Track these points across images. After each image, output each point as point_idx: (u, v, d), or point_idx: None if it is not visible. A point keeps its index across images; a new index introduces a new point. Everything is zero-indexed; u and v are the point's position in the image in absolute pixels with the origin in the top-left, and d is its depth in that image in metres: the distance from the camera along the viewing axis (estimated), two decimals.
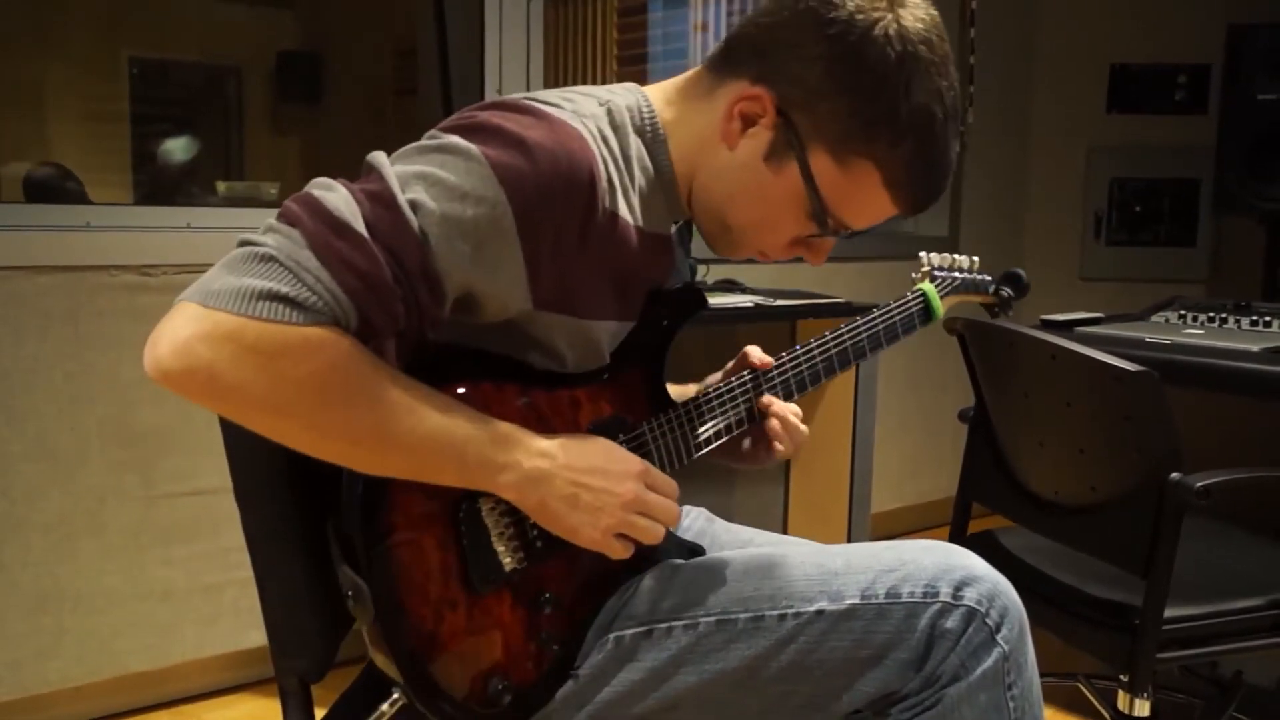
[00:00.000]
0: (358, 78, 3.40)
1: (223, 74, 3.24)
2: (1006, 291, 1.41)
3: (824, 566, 1.03)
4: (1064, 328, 2.13)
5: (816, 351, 1.16)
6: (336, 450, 0.88)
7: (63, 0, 2.76)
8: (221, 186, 2.94)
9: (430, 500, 0.94)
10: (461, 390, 0.95)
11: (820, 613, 1.00)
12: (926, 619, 0.97)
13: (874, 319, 1.20)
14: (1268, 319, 2.08)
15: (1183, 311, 2.23)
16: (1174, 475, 1.42)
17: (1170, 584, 1.44)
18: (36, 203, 2.36)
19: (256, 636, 2.19)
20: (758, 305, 2.30)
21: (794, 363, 1.15)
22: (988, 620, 0.97)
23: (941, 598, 0.98)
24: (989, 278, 1.39)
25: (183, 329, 0.80)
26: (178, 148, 3.03)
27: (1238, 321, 2.11)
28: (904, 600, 0.98)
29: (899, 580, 0.99)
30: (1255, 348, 1.85)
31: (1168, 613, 1.45)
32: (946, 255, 1.35)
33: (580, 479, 0.95)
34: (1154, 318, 2.25)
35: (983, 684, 0.97)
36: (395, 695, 0.98)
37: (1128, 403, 1.46)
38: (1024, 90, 3.61)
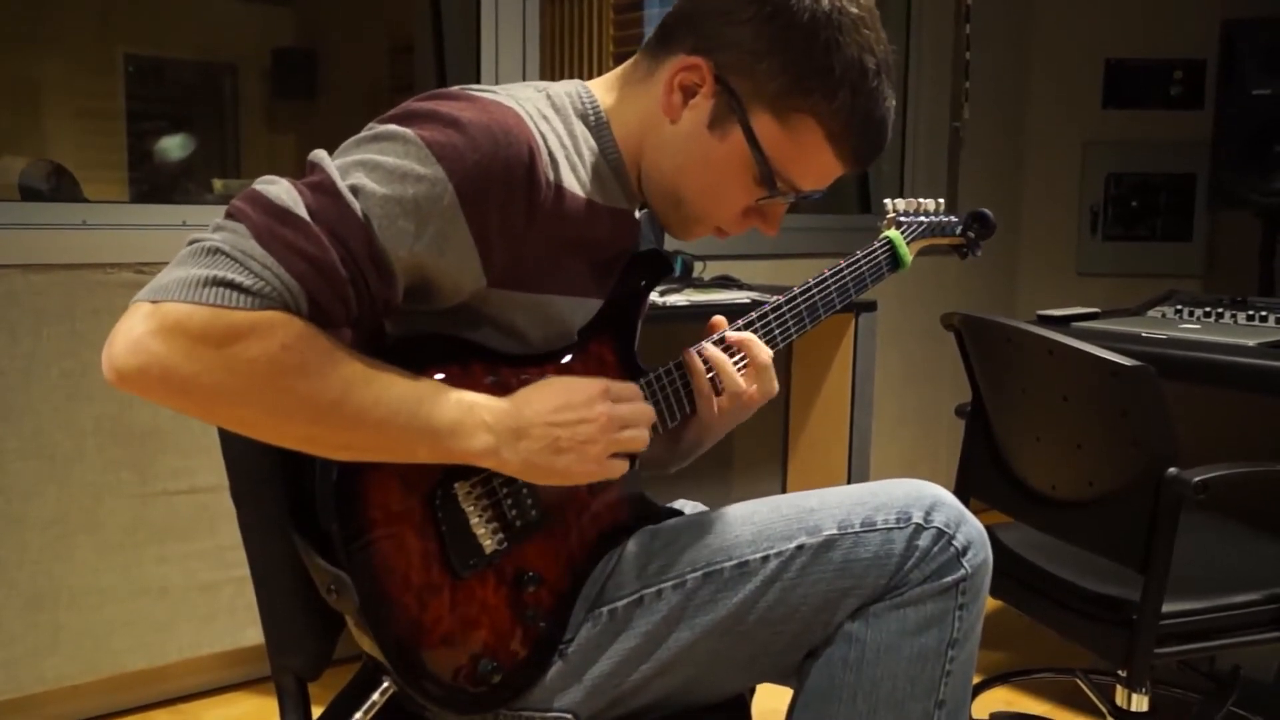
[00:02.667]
0: (354, 75, 3.39)
1: (219, 71, 3.23)
2: (973, 232, 1.40)
3: (800, 506, 1.06)
4: (1061, 323, 2.13)
5: (786, 308, 1.17)
6: (302, 434, 0.88)
7: None
8: (218, 184, 2.93)
9: (405, 488, 0.94)
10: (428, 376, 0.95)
11: (800, 548, 1.02)
12: (902, 542, 1.01)
13: (841, 271, 1.21)
14: (1264, 313, 2.08)
15: (1179, 306, 2.23)
16: (1171, 470, 1.43)
17: (1168, 579, 1.44)
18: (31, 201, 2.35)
19: (253, 634, 2.18)
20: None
21: (763, 321, 1.15)
22: (954, 542, 1.01)
23: (914, 521, 1.01)
24: (955, 219, 1.39)
25: (136, 327, 0.81)
26: (173, 145, 3.02)
27: (1234, 316, 2.11)
28: (879, 527, 1.02)
29: (873, 510, 1.03)
30: (1251, 342, 1.85)
31: (1166, 608, 1.45)
32: (912, 200, 1.34)
33: (551, 420, 0.95)
34: (1150, 313, 2.25)
35: (937, 594, 1.01)
36: (385, 684, 0.97)
37: (1125, 398, 1.46)
38: (1020, 86, 3.60)
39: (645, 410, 1.01)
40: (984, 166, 3.52)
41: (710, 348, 1.10)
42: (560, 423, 0.95)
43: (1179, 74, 3.47)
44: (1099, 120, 3.54)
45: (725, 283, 2.56)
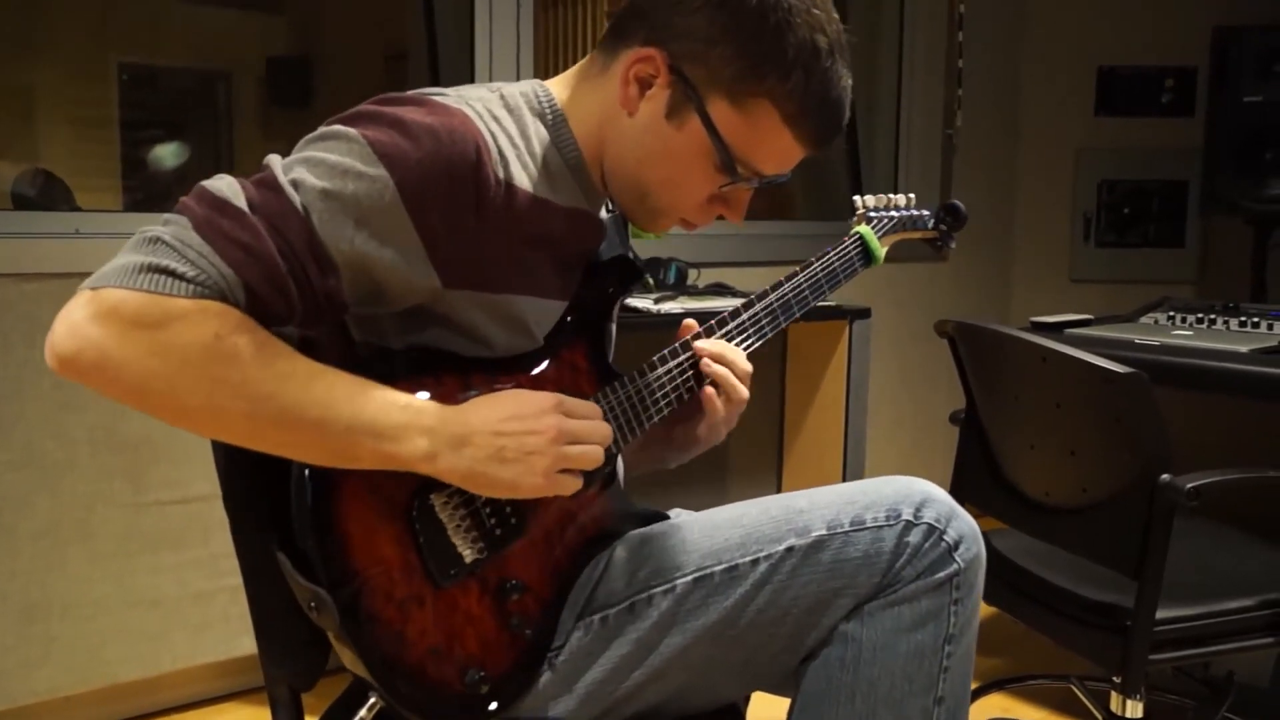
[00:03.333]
0: (349, 83, 3.39)
1: (213, 79, 3.23)
2: (945, 225, 1.40)
3: (789, 507, 1.05)
4: (1054, 329, 2.13)
5: (759, 308, 1.17)
6: (241, 430, 0.88)
7: (51, 5, 2.75)
8: None
9: (381, 503, 0.94)
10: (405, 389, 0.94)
11: (790, 549, 1.02)
12: (892, 539, 1.00)
13: (812, 268, 1.22)
14: (1256, 320, 2.09)
15: (1172, 312, 2.23)
16: (1164, 476, 1.43)
17: (1162, 585, 1.44)
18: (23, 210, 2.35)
19: (247, 644, 2.18)
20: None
21: (738, 322, 1.16)
22: (945, 537, 1.01)
23: (904, 518, 1.01)
24: (926, 212, 1.39)
25: (75, 313, 0.83)
26: (167, 154, 3.01)
27: (1226, 322, 2.12)
28: (869, 526, 1.01)
29: (862, 509, 1.02)
30: (1244, 348, 1.85)
31: (1160, 614, 1.45)
32: (882, 196, 1.34)
33: (498, 429, 0.93)
34: (1143, 319, 2.25)
35: (930, 590, 1.00)
36: (372, 699, 0.97)
37: (1118, 404, 1.46)
38: (1012, 94, 3.62)
39: (600, 428, 0.99)
40: (977, 173, 3.52)
41: (711, 349, 1.11)
42: (507, 432, 0.93)
43: (1171, 81, 3.48)
44: (1092, 127, 3.55)
45: (719, 290, 2.56)
